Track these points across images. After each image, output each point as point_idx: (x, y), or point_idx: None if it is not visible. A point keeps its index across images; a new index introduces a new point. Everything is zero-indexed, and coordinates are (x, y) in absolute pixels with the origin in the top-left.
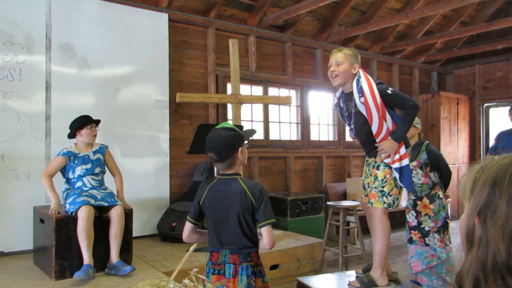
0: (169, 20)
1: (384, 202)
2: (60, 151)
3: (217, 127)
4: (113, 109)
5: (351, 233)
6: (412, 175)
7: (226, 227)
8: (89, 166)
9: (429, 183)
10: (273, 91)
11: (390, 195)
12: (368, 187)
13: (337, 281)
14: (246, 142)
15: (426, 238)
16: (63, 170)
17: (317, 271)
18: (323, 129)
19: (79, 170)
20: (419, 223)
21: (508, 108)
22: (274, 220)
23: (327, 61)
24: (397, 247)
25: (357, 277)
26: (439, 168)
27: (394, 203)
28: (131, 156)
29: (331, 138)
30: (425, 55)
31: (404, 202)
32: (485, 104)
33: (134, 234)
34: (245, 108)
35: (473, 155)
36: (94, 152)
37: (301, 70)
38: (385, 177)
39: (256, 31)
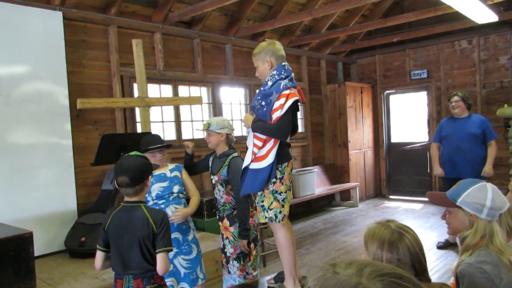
0: (64, 18)
1: (266, 217)
2: None
3: (130, 154)
4: (4, 118)
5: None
6: (215, 191)
7: (128, 253)
8: (166, 184)
9: (231, 203)
10: (183, 90)
11: (270, 209)
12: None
13: None
14: None
15: (228, 265)
16: None
17: None
18: (236, 124)
19: (155, 190)
20: (223, 246)
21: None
22: (171, 248)
23: (237, 56)
24: (312, 235)
25: None
26: (233, 189)
27: (276, 217)
28: (28, 168)
29: (245, 134)
30: (331, 47)
31: None
32: (386, 92)
33: (39, 252)
34: (154, 109)
35: (377, 140)
36: (171, 170)
37: (211, 66)
38: (263, 191)
39: (162, 28)
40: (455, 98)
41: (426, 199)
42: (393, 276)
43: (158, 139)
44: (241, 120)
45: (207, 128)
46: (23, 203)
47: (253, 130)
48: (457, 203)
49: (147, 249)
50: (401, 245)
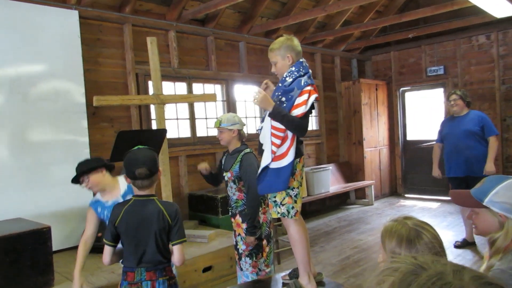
0: (80, 17)
1: (278, 212)
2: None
3: (139, 147)
4: (22, 115)
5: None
6: (227, 188)
7: (144, 246)
8: None
9: (244, 199)
10: (197, 87)
11: (283, 205)
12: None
13: None
14: None
15: (241, 261)
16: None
17: None
18: (250, 122)
19: None
20: (236, 242)
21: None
22: (185, 239)
23: (251, 53)
24: (326, 233)
25: (285, 284)
26: (244, 185)
27: (289, 212)
28: (46, 165)
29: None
30: (345, 44)
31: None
32: (401, 89)
33: (57, 247)
34: (169, 107)
35: (392, 137)
36: (124, 194)
37: (225, 64)
38: None
39: (176, 26)
40: (453, 96)
41: (443, 197)
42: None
43: (86, 162)
44: (254, 98)
45: (218, 125)
46: (41, 199)
47: (273, 115)
48: (483, 203)
49: (162, 241)
50: (419, 242)
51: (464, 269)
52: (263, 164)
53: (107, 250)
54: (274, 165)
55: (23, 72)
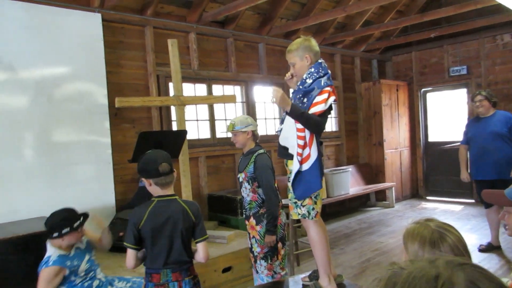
0: (103, 20)
1: (299, 214)
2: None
3: (150, 151)
4: (47, 116)
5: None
6: (242, 189)
7: (171, 246)
8: (87, 257)
9: (258, 201)
10: (217, 88)
11: (303, 206)
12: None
13: None
14: None
15: (256, 264)
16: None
17: None
18: (269, 123)
19: (83, 269)
20: (251, 245)
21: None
22: (207, 236)
23: (270, 55)
24: (346, 235)
25: (305, 285)
26: (261, 186)
27: (309, 213)
28: (69, 165)
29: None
30: (365, 44)
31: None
32: (423, 89)
33: None
34: (189, 108)
35: (413, 139)
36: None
37: (245, 65)
38: (294, 188)
39: (196, 28)
40: (478, 97)
41: (466, 200)
42: (471, 265)
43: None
44: (272, 98)
45: (232, 129)
46: (64, 198)
47: (291, 113)
48: None
49: (188, 239)
50: (443, 244)
51: (440, 258)
52: (294, 169)
53: (131, 253)
54: (304, 167)
55: (48, 74)
